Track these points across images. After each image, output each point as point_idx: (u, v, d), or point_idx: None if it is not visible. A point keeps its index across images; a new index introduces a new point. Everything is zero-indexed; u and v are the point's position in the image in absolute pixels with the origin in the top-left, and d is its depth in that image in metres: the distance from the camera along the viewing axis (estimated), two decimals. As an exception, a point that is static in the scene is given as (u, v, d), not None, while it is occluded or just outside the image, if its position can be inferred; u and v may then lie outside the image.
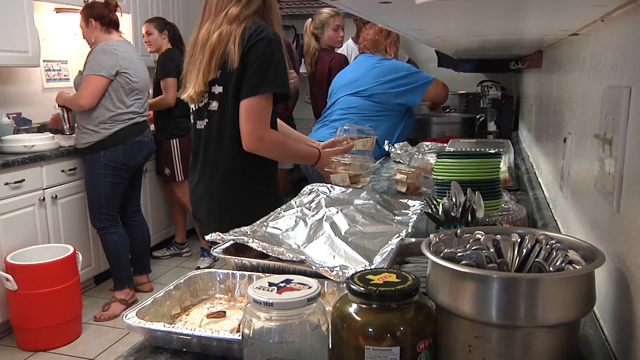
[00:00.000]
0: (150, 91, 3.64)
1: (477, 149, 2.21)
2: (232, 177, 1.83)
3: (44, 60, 3.87)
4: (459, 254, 0.73)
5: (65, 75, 4.19)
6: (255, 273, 1.11)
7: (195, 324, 0.99)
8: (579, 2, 0.69)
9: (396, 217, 1.35)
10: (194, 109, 1.89)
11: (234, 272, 1.12)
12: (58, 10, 3.93)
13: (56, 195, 3.26)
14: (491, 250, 0.75)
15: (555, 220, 1.40)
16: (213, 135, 1.83)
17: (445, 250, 0.76)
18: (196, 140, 1.91)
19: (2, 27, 3.15)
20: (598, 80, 0.99)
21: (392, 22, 1.04)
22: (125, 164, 3.37)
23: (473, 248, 0.74)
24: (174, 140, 4.00)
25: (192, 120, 1.92)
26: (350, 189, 1.53)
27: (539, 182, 1.86)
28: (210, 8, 1.80)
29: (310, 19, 3.85)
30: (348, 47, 4.10)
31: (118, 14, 3.39)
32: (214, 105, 1.82)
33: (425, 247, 0.76)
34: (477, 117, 3.34)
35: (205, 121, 1.85)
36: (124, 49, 3.30)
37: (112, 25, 3.35)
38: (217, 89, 1.80)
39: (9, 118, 3.52)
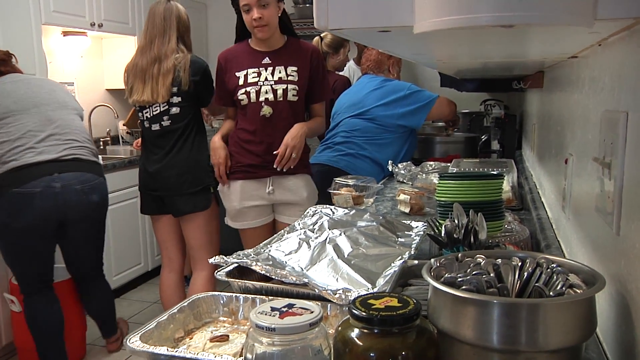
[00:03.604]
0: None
1: (480, 169, 2.22)
2: (195, 156, 2.63)
3: (51, 83, 3.92)
4: (459, 279, 0.73)
5: (71, 97, 4.24)
6: (258, 296, 1.11)
7: (198, 347, 1.00)
8: (574, 30, 0.71)
9: (399, 239, 1.36)
10: (148, 116, 2.62)
11: (238, 295, 1.12)
12: (65, 33, 3.99)
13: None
14: (491, 274, 0.76)
15: (558, 241, 1.40)
16: (179, 131, 2.60)
17: (446, 275, 0.76)
18: (155, 138, 2.63)
19: (10, 50, 3.20)
20: (597, 103, 1.01)
21: (392, 48, 1.06)
22: (8, 225, 2.47)
23: (473, 273, 0.75)
24: None
25: (145, 125, 2.65)
26: (354, 211, 1.54)
27: (542, 202, 1.86)
28: (142, 43, 2.64)
29: (319, 37, 3.52)
30: (350, 69, 4.09)
31: None
32: (175, 110, 2.59)
33: (425, 272, 0.76)
34: (481, 136, 3.35)
35: (169, 122, 2.60)
36: None
37: None
38: (176, 99, 2.57)
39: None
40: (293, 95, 2.38)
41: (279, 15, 2.39)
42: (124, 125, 4.60)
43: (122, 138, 4.62)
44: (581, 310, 0.69)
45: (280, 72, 2.38)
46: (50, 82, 2.87)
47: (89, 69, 4.46)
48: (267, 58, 2.41)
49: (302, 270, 1.17)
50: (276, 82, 2.37)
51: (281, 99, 2.37)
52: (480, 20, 0.57)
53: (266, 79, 2.38)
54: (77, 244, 2.72)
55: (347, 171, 2.63)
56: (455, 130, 3.59)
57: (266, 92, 2.37)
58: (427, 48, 0.99)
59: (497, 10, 0.57)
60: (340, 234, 1.30)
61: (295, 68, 2.40)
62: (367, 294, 0.79)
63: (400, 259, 1.18)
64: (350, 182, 1.84)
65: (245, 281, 1.16)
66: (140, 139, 3.87)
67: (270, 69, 2.39)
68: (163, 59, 2.55)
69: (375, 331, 0.71)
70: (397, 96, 2.77)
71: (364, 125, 2.80)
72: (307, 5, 4.61)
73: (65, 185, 2.51)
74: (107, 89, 4.66)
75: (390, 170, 2.58)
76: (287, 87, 2.37)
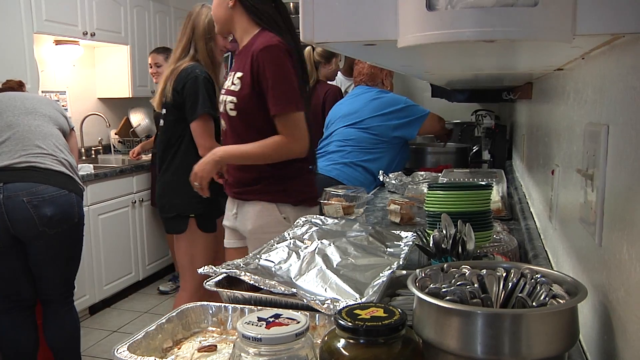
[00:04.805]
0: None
1: (470, 179, 2.23)
2: (178, 179, 2.48)
3: (42, 91, 3.92)
4: (443, 290, 0.74)
5: (63, 106, 4.24)
6: (247, 306, 1.12)
7: (186, 358, 1.00)
8: (557, 45, 0.72)
9: (388, 249, 1.37)
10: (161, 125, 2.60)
11: (226, 305, 1.13)
12: (57, 42, 3.99)
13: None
14: (476, 285, 0.77)
15: (545, 251, 1.42)
16: (161, 146, 2.56)
17: (431, 286, 0.77)
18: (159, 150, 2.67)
19: (2, 58, 3.20)
20: (581, 115, 1.02)
21: (379, 60, 1.07)
22: None
23: (458, 283, 0.76)
24: None
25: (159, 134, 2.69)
26: (343, 221, 1.54)
27: (531, 212, 1.87)
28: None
29: (309, 47, 3.48)
30: (337, 80, 4.12)
31: None
32: (162, 122, 2.56)
33: (410, 283, 0.77)
34: (472, 147, 3.38)
35: (159, 134, 2.65)
36: None
37: None
38: (164, 111, 2.53)
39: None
40: (230, 109, 1.93)
41: (232, 4, 1.89)
42: (115, 134, 4.60)
43: (114, 147, 4.62)
44: (563, 320, 0.70)
45: (229, 80, 1.97)
46: (29, 94, 2.70)
47: (81, 77, 4.46)
48: (234, 61, 2.03)
49: (292, 279, 1.17)
50: (225, 92, 1.99)
51: (225, 112, 1.99)
52: (461, 35, 0.58)
53: (223, 88, 2.04)
54: (38, 263, 2.45)
55: (339, 180, 2.65)
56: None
57: (220, 103, 2.04)
58: (414, 60, 1.00)
59: (478, 25, 0.58)
60: (329, 244, 1.30)
61: (240, 74, 1.91)
62: (353, 304, 0.79)
63: (389, 269, 1.18)
64: (341, 192, 1.85)
65: (234, 291, 1.16)
66: (136, 148, 3.94)
67: (231, 75, 1.99)
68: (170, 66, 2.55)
69: (361, 341, 0.72)
70: (394, 108, 2.84)
71: (359, 135, 2.82)
72: (296, 16, 4.61)
73: (10, 197, 2.29)
74: (99, 98, 4.66)
75: (381, 180, 2.59)
76: (226, 100, 1.96)
